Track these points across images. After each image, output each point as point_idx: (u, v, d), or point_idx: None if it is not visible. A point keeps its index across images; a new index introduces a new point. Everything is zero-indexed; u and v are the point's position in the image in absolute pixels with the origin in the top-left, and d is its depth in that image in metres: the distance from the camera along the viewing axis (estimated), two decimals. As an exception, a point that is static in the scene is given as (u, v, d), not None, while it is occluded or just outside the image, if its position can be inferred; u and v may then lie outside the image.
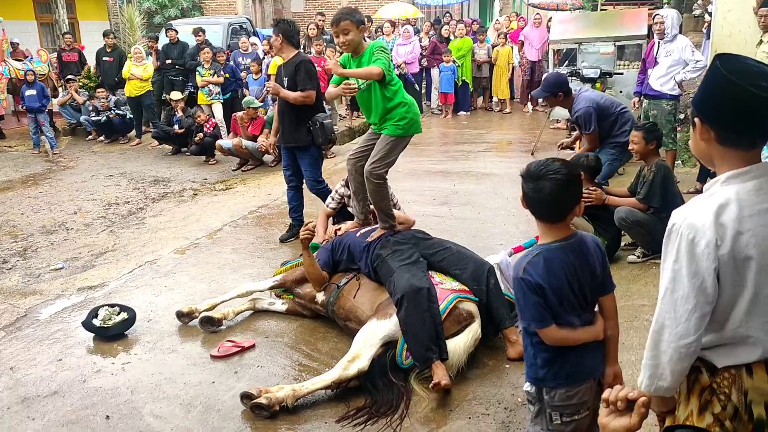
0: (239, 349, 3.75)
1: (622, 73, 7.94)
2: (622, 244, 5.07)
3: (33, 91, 9.93)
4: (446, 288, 3.60)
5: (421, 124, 4.25)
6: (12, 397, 3.29)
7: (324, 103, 5.57)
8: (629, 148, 4.83)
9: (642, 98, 7.01)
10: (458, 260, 3.75)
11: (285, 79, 5.34)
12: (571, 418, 2.20)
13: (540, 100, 12.44)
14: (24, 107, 10.12)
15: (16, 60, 11.56)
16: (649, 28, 8.24)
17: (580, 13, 14.22)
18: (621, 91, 8.11)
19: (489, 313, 3.61)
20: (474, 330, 3.54)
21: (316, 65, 9.61)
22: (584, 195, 4.42)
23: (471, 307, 3.60)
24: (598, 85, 7.56)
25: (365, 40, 4.19)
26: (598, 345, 2.20)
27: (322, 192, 5.55)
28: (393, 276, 3.56)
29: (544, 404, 2.21)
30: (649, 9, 10.98)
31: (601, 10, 13.61)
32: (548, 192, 2.02)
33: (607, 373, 2.23)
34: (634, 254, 4.84)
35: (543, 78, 5.81)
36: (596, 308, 2.23)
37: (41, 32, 15.06)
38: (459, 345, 3.46)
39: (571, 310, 2.12)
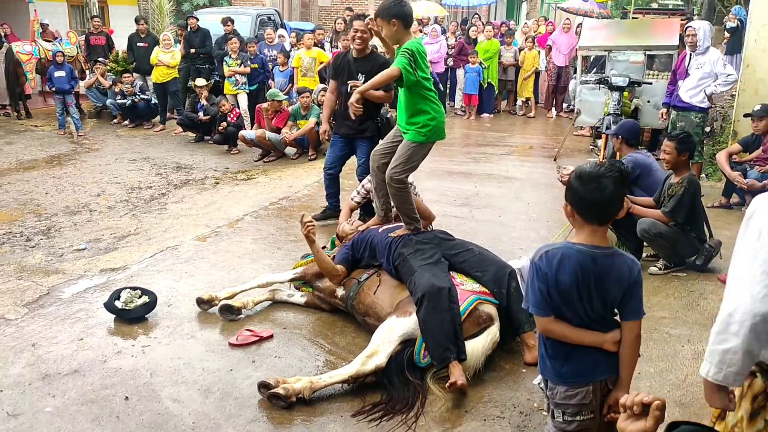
0: (257, 338, 3.77)
1: (651, 83, 7.86)
2: (644, 255, 5.03)
3: (62, 73, 10.04)
4: (467, 289, 3.60)
5: (444, 132, 4.19)
6: (33, 373, 3.33)
7: None
8: (661, 157, 4.78)
9: (670, 109, 6.95)
10: (480, 262, 3.74)
11: (361, 75, 5.40)
12: (573, 418, 2.24)
13: (565, 105, 12.44)
14: (52, 88, 10.22)
15: (45, 41, 11.70)
16: (681, 38, 8.17)
17: (611, 21, 14.10)
18: (649, 101, 8.05)
19: (508, 317, 3.61)
20: (493, 332, 3.54)
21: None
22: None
23: (491, 309, 3.60)
24: (626, 94, 7.50)
25: (410, 34, 4.05)
26: (606, 352, 2.20)
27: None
28: (414, 275, 3.56)
29: (549, 399, 2.29)
30: (681, 20, 10.85)
31: (633, 18, 13.46)
32: (611, 190, 2.06)
33: (612, 395, 2.22)
34: (656, 266, 4.80)
35: (621, 122, 5.79)
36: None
37: (71, 14, 15.22)
38: (477, 347, 3.46)
39: (574, 314, 2.15)
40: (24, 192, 7.06)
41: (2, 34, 11.54)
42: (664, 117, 7.13)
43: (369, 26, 4.78)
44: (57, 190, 7.19)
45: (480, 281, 3.70)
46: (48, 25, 12.16)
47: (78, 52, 12.06)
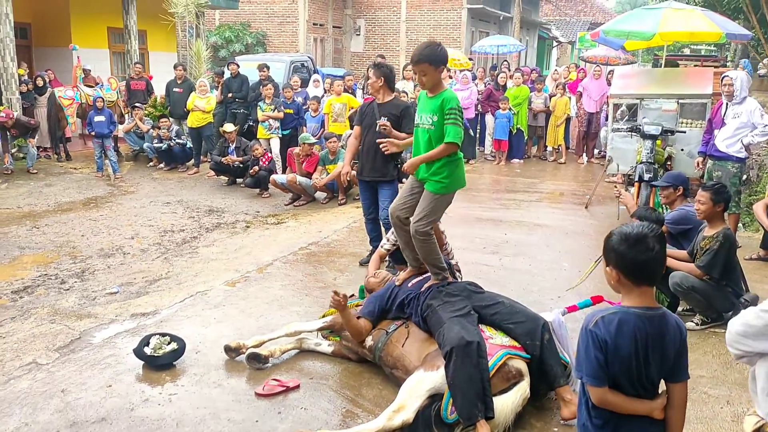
0: (284, 388, 3.74)
1: (684, 131, 7.78)
2: (680, 308, 4.90)
3: (102, 118, 10.36)
4: (496, 343, 3.53)
5: (465, 179, 4.22)
6: (62, 420, 3.34)
7: None
8: (695, 207, 4.68)
9: (706, 158, 6.86)
10: (511, 314, 3.68)
11: (383, 119, 5.53)
12: None
13: (596, 151, 12.37)
14: (91, 132, 10.55)
15: (87, 86, 12.13)
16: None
17: (643, 69, 14.11)
18: (682, 149, 7.96)
19: (542, 370, 3.51)
20: (523, 389, 3.45)
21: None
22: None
23: (521, 364, 3.52)
24: (659, 142, 7.44)
25: (443, 80, 4.23)
26: (653, 422, 2.12)
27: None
28: (443, 327, 3.52)
29: None
30: (715, 68, 10.80)
31: (667, 60, 13.43)
32: (658, 249, 2.03)
33: None
34: (692, 321, 4.66)
35: (667, 173, 5.79)
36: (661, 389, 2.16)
37: (113, 60, 15.80)
38: (507, 403, 3.37)
39: (629, 381, 2.07)
40: (61, 234, 7.23)
41: (47, 79, 12.02)
42: (700, 166, 7.03)
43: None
44: (93, 233, 7.35)
45: (511, 333, 3.62)
46: (90, 70, 12.63)
47: (118, 97, 12.49)
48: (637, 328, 2.03)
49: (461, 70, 13.74)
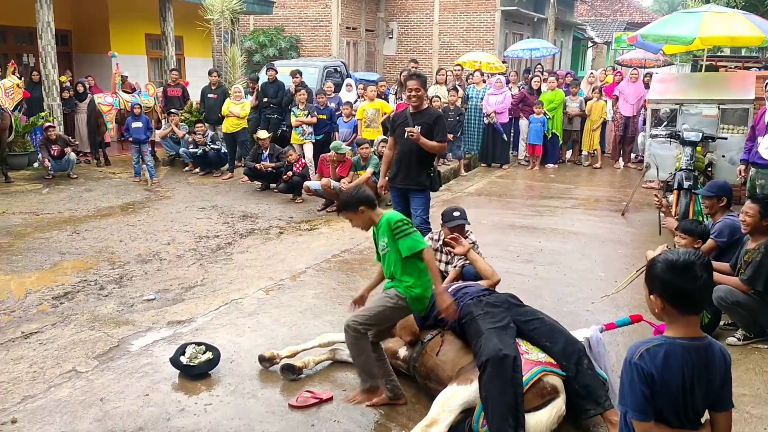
0: (317, 400, 3.75)
1: (725, 138, 7.58)
2: (722, 323, 4.78)
3: (139, 124, 10.55)
4: (532, 359, 3.48)
5: (425, 305, 3.75)
6: (100, 429, 3.41)
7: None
8: (740, 219, 4.55)
9: (749, 166, 6.68)
10: (550, 333, 3.62)
11: (417, 127, 5.71)
12: None
13: (633, 156, 12.15)
14: (129, 138, 10.76)
15: (125, 92, 12.38)
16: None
17: (682, 74, 13.82)
18: (723, 156, 7.77)
19: (582, 392, 3.44)
20: (558, 406, 3.40)
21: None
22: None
23: (556, 381, 3.46)
24: (699, 148, 7.26)
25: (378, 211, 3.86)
26: None
27: (426, 231, 5.86)
28: (481, 337, 3.48)
29: None
30: (757, 71, 10.51)
31: (707, 62, 13.11)
32: (705, 278, 1.98)
33: None
34: (734, 336, 4.54)
35: (710, 182, 5.62)
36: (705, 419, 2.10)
37: (150, 66, 16.09)
38: (541, 420, 3.33)
39: (675, 414, 2.01)
40: (100, 239, 7.37)
41: (87, 86, 12.31)
42: (743, 174, 6.85)
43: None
44: (130, 238, 7.48)
45: (548, 352, 3.57)
46: (127, 77, 12.88)
47: (155, 103, 12.71)
48: (683, 361, 1.98)
49: (494, 74, 13.61)
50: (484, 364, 3.28)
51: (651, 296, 2.05)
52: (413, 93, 5.72)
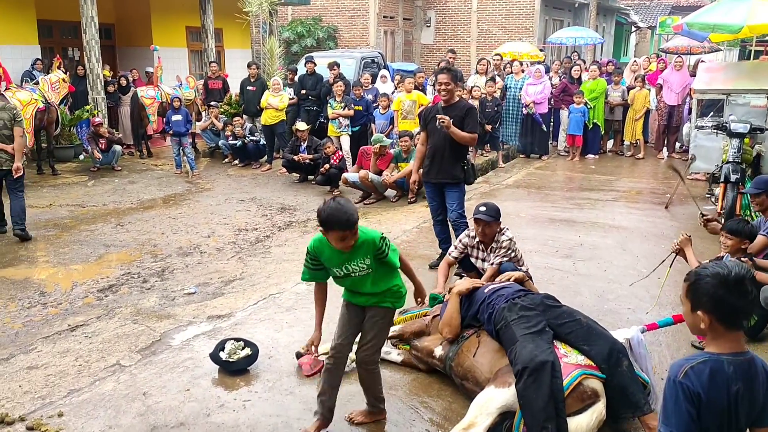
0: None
1: (775, 129, 7.33)
2: (770, 323, 4.62)
3: (179, 117, 10.73)
4: (571, 362, 3.43)
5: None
6: (143, 424, 3.49)
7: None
8: None
9: (799, 159, 6.45)
10: (588, 335, 3.56)
11: (449, 119, 5.66)
12: None
13: (678, 145, 11.82)
14: (169, 131, 10.97)
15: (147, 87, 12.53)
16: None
17: (730, 63, 13.37)
18: (772, 148, 7.50)
19: (621, 395, 3.38)
20: (598, 410, 3.34)
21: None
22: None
23: (596, 384, 3.41)
24: (747, 140, 7.03)
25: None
26: None
27: (463, 225, 5.85)
28: (516, 344, 3.45)
29: None
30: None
31: (756, 51, 12.67)
32: (756, 294, 1.94)
33: None
34: (783, 338, 4.40)
35: (757, 177, 5.34)
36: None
37: (191, 59, 16.32)
38: (581, 425, 3.27)
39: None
40: (143, 232, 7.54)
41: (130, 79, 12.55)
42: (792, 168, 6.62)
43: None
44: (172, 231, 7.62)
45: (586, 354, 3.51)
46: (152, 72, 13.00)
47: (196, 95, 12.89)
48: (729, 378, 1.92)
49: (532, 62, 13.38)
50: (521, 371, 3.24)
51: (697, 312, 1.97)
52: (443, 87, 5.69)
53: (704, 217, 4.78)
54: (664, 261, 4.68)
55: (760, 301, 1.97)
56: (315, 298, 3.60)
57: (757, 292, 1.92)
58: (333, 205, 3.13)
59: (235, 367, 4.06)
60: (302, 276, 3.55)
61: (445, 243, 6.13)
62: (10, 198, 7.07)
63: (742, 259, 4.21)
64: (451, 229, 6.10)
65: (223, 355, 4.10)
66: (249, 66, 12.04)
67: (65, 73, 11.16)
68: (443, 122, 5.52)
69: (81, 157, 11.53)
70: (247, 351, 4.16)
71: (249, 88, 11.75)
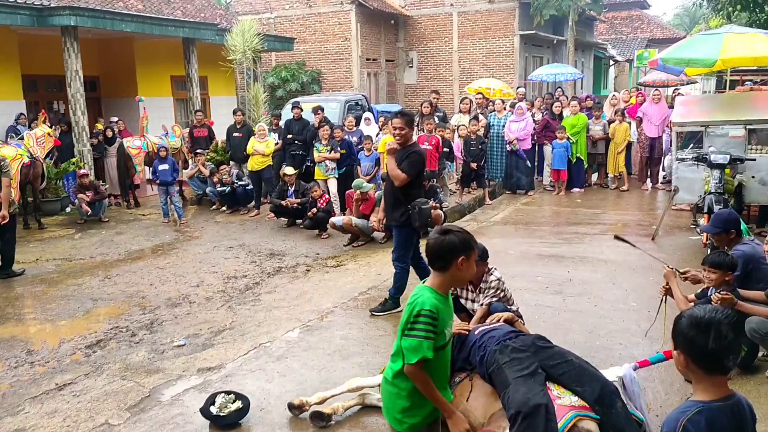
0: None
1: (754, 159, 7.46)
2: (760, 354, 4.64)
3: (166, 166, 10.76)
4: (565, 404, 3.40)
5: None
6: (133, 486, 3.42)
7: (429, 187, 6.07)
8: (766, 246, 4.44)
9: (779, 189, 6.55)
10: (579, 376, 3.54)
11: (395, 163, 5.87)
12: None
13: (661, 177, 11.98)
14: (156, 181, 11.00)
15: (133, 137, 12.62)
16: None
17: (706, 96, 13.68)
18: (753, 177, 7.63)
19: (616, 435, 3.36)
20: (595, 452, 3.32)
21: (427, 143, 9.87)
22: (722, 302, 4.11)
23: (591, 426, 3.37)
24: (728, 171, 7.15)
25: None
26: None
27: (400, 269, 6.05)
28: (509, 388, 3.42)
29: None
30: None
31: (732, 80, 12.96)
32: (731, 338, 1.93)
33: None
34: (774, 368, 4.40)
35: (714, 214, 5.36)
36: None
37: (176, 107, 16.46)
38: (578, 467, 3.25)
39: None
40: (131, 283, 7.48)
41: (116, 130, 12.62)
42: (774, 197, 6.72)
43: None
44: (160, 281, 7.57)
45: (579, 395, 3.49)
46: (121, 122, 13.12)
47: (182, 144, 12.97)
48: (724, 425, 1.92)
49: (503, 100, 13.54)
50: (515, 416, 3.22)
51: (675, 351, 2.00)
52: (397, 131, 5.80)
53: (681, 274, 4.72)
54: (659, 309, 4.59)
55: (737, 344, 1.96)
56: (430, 382, 3.23)
57: (733, 336, 1.92)
58: (448, 227, 3.08)
59: (227, 422, 4.00)
60: (423, 353, 3.09)
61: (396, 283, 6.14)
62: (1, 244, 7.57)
63: (721, 293, 4.23)
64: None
65: (213, 410, 4.04)
66: (234, 113, 12.16)
67: (50, 127, 11.20)
68: (389, 150, 5.84)
69: (68, 209, 11.51)
70: (238, 404, 4.10)
71: (235, 134, 11.84)
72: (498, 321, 4.34)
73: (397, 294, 6.13)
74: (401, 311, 5.99)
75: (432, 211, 6.03)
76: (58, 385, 4.81)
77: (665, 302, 4.58)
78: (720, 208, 6.74)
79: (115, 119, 13.45)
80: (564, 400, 3.44)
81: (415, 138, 6.14)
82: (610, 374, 3.70)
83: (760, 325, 4.25)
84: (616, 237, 5.83)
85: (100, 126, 12.59)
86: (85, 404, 4.43)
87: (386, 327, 5.76)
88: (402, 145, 5.86)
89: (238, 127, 11.89)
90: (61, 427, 4.12)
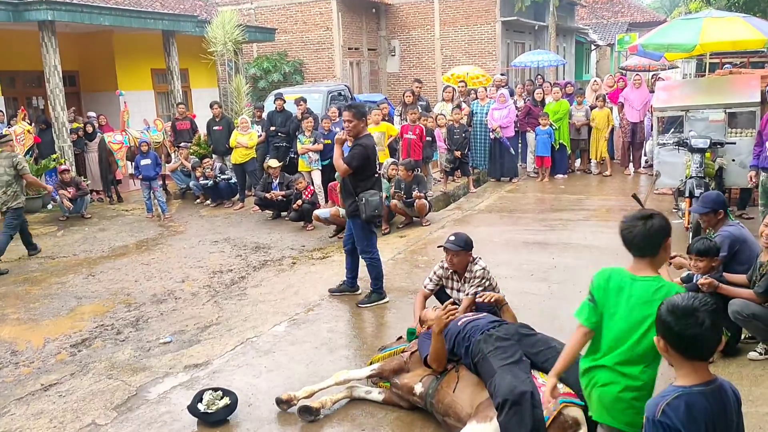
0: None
1: (734, 143, 7.53)
2: (742, 336, 4.71)
3: (148, 161, 10.66)
4: (550, 392, 3.44)
5: None
6: (122, 485, 3.41)
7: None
8: (760, 232, 4.47)
9: (759, 171, 6.62)
10: (563, 362, 3.57)
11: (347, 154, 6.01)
12: None
13: (643, 161, 12.06)
14: (138, 176, 10.89)
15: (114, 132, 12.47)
16: (763, 93, 7.84)
17: (686, 80, 13.77)
18: (733, 160, 7.71)
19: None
20: (580, 438, 3.36)
21: (411, 133, 9.84)
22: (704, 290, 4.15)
23: (577, 413, 3.42)
24: (708, 154, 7.22)
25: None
26: None
27: (369, 260, 6.09)
28: (494, 377, 3.46)
29: None
30: (762, 68, 10.44)
31: (711, 63, 13.06)
32: (709, 325, 1.94)
33: None
34: (755, 350, 4.47)
35: (703, 195, 5.41)
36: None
37: (158, 101, 16.28)
38: (564, 454, 3.29)
39: None
40: (115, 281, 7.43)
41: (96, 125, 12.47)
42: (753, 180, 6.79)
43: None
44: (145, 277, 7.53)
45: (564, 381, 3.53)
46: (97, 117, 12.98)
47: (164, 138, 12.84)
48: (705, 409, 1.95)
49: (484, 87, 13.52)
50: (502, 404, 3.25)
51: (656, 337, 2.03)
52: (347, 123, 5.91)
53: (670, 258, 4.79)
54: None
55: (715, 330, 1.98)
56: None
57: (712, 325, 1.95)
58: (644, 212, 2.79)
59: (215, 418, 4.00)
60: None
61: (350, 273, 6.37)
62: None
63: (703, 280, 4.28)
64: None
65: (201, 407, 4.03)
66: (212, 106, 12.02)
67: (30, 124, 11.04)
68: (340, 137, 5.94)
69: (49, 206, 11.38)
70: (226, 400, 4.10)
71: (215, 128, 11.74)
72: (490, 300, 4.39)
73: (379, 283, 6.15)
74: (387, 302, 6.04)
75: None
76: (44, 385, 4.78)
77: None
78: (701, 192, 6.81)
79: (93, 114, 13.28)
80: (549, 388, 3.47)
81: (367, 130, 6.15)
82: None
83: (743, 308, 4.31)
84: (634, 196, 5.89)
85: (76, 125, 12.39)
86: (71, 404, 4.41)
87: (372, 319, 5.78)
88: (354, 137, 5.95)
89: (218, 120, 11.79)
90: (47, 428, 4.10)
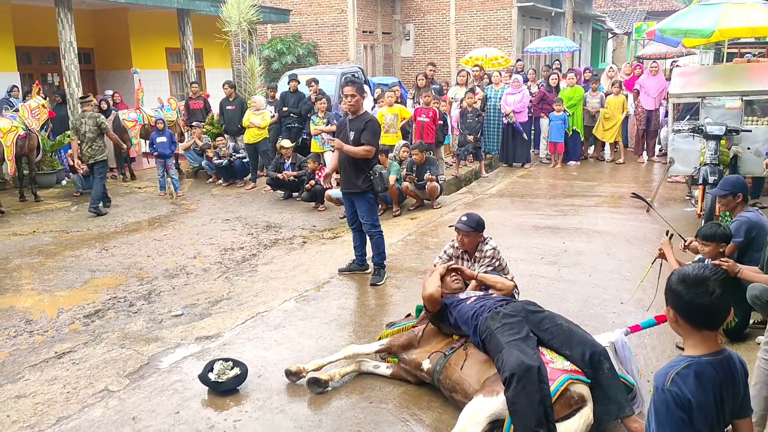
0: None
1: (750, 130, 7.46)
2: (752, 321, 4.70)
3: (163, 138, 10.71)
4: (557, 368, 3.47)
5: None
6: (134, 449, 3.48)
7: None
8: None
9: (775, 159, 6.57)
10: (568, 340, 3.60)
11: (351, 132, 5.92)
12: None
13: (657, 149, 11.97)
14: (154, 153, 10.94)
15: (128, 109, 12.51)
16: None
17: (703, 67, 13.60)
18: (749, 148, 7.64)
19: (604, 398, 3.43)
20: (586, 415, 3.38)
21: (425, 116, 9.82)
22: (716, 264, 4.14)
23: (583, 389, 3.45)
24: (723, 142, 7.15)
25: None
26: None
27: (376, 234, 6.13)
28: (502, 352, 3.48)
29: None
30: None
31: (729, 53, 12.90)
32: (719, 294, 1.94)
33: None
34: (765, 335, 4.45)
35: (723, 178, 5.38)
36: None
37: (171, 80, 16.32)
38: (569, 430, 3.31)
39: (710, 431, 2.00)
40: (128, 255, 7.51)
41: (111, 102, 12.52)
42: (768, 168, 6.74)
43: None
44: (158, 253, 7.60)
45: (569, 359, 3.56)
46: (115, 94, 13.01)
47: (178, 117, 12.89)
48: (713, 379, 1.96)
49: (503, 70, 13.44)
50: (509, 378, 3.27)
51: (666, 307, 2.04)
52: (348, 99, 5.86)
53: (684, 244, 4.81)
54: (651, 265, 4.74)
55: (725, 300, 1.98)
56: None
57: (722, 294, 1.95)
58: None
59: (225, 388, 4.05)
60: None
61: (358, 251, 6.38)
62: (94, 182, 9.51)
63: (722, 259, 4.27)
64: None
65: (212, 376, 4.09)
66: (224, 86, 12.04)
67: (45, 98, 11.11)
68: (332, 144, 5.84)
69: (63, 182, 11.49)
70: (236, 371, 4.16)
71: (228, 107, 11.77)
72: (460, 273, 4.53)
73: (383, 256, 6.21)
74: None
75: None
76: (57, 353, 4.86)
77: (651, 265, 4.69)
78: (715, 180, 6.76)
79: (110, 92, 13.33)
80: (557, 364, 3.51)
81: (367, 107, 6.25)
82: (602, 339, 3.76)
83: (763, 293, 4.26)
84: (633, 195, 5.94)
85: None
86: (84, 371, 4.48)
87: (382, 296, 5.81)
88: (354, 114, 5.95)
89: (231, 99, 11.80)
90: (60, 393, 4.18)
